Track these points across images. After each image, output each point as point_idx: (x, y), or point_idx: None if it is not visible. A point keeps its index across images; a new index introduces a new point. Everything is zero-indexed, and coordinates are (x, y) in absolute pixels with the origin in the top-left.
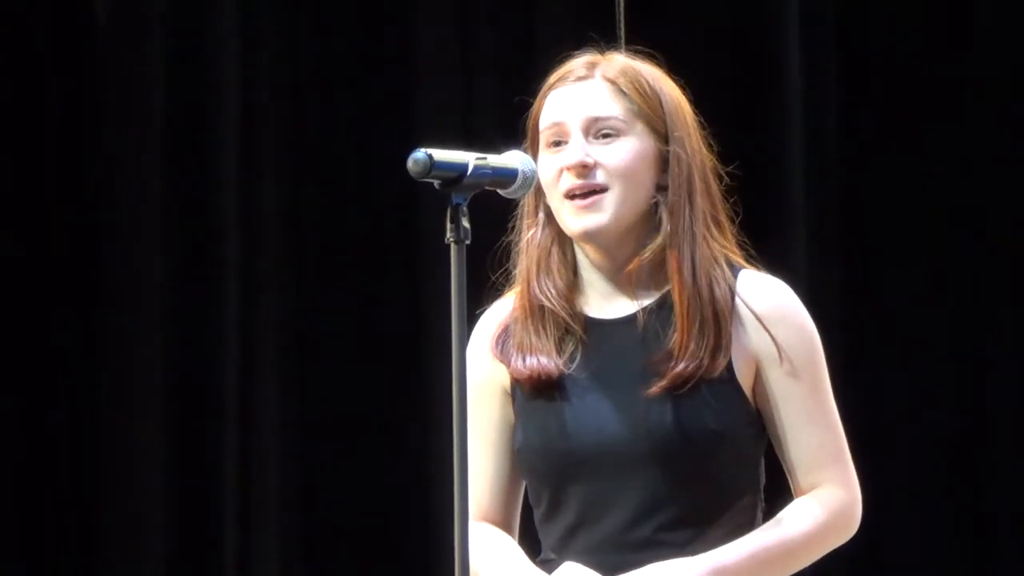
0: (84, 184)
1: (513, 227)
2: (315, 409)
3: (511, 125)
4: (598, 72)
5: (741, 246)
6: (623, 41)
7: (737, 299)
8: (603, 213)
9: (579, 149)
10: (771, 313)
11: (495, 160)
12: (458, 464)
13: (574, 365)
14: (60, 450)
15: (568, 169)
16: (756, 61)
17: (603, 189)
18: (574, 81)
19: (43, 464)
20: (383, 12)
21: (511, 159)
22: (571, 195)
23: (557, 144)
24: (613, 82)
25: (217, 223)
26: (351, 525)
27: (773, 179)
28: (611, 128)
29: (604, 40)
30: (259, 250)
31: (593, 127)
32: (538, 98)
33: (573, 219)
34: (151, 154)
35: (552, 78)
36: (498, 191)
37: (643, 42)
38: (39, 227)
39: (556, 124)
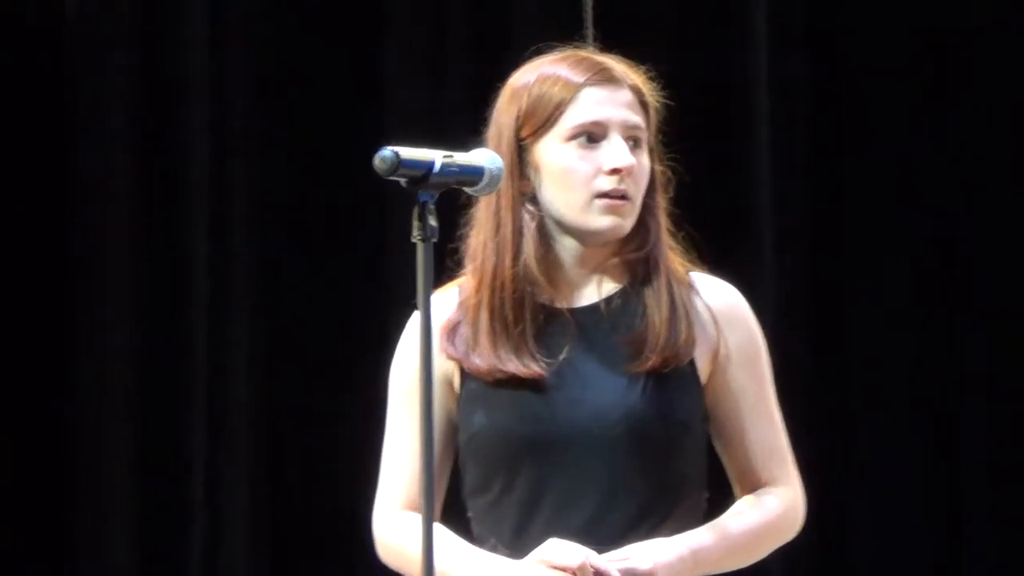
0: (54, 183)
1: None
2: (282, 404)
3: (480, 123)
4: (628, 79)
5: (686, 254)
6: (591, 38)
7: (695, 298)
8: (628, 219)
9: (627, 154)
10: (726, 312)
11: (462, 158)
12: (424, 460)
13: (543, 352)
14: (28, 444)
15: (614, 171)
16: (723, 66)
17: (629, 197)
18: (612, 82)
19: (11, 456)
20: (356, 8)
21: (478, 157)
22: (603, 195)
23: (593, 141)
24: (638, 92)
25: (187, 219)
26: (317, 512)
27: (739, 184)
28: (639, 139)
29: (575, 37)
30: (230, 248)
31: (629, 134)
32: (557, 87)
33: (602, 217)
34: (120, 150)
35: (573, 74)
36: (464, 189)
37: (611, 41)
38: (8, 224)
39: (597, 122)
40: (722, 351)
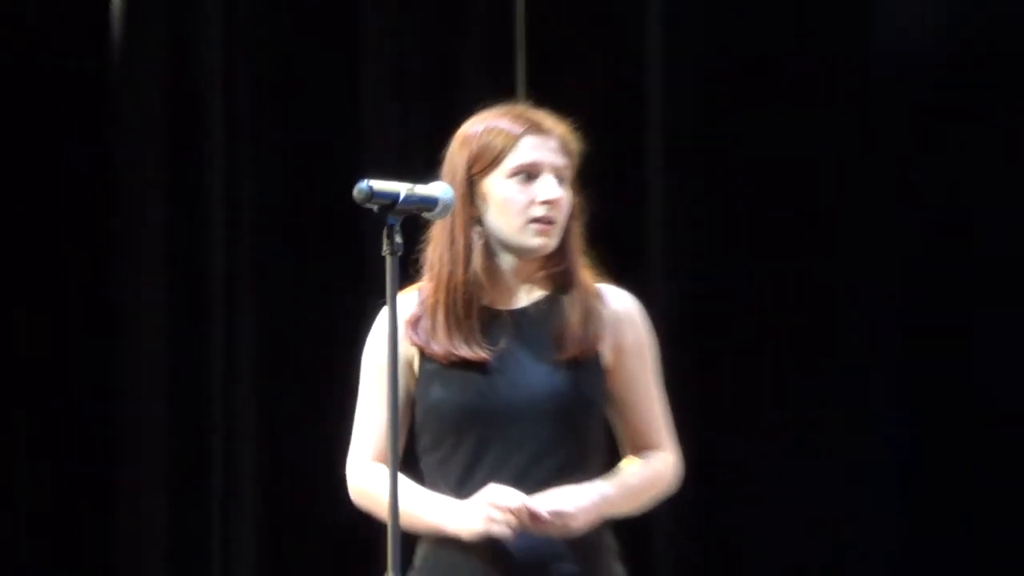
0: (91, 186)
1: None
2: (284, 404)
3: (434, 144)
4: (557, 130)
5: (595, 268)
6: (524, 88)
7: (601, 304)
8: (554, 239)
9: (556, 188)
10: (625, 316)
11: (421, 190)
12: (391, 441)
13: (487, 341)
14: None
15: (545, 202)
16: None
17: (555, 222)
18: (544, 132)
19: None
20: (336, 67)
21: (434, 189)
22: (536, 220)
23: (529, 178)
24: (564, 140)
25: (207, 237)
26: (315, 504)
27: (632, 209)
28: (564, 177)
29: (506, 92)
30: (239, 264)
31: (557, 173)
32: (501, 136)
33: (535, 238)
34: (153, 167)
35: (514, 126)
36: (423, 215)
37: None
38: (47, 230)
39: (533, 163)
40: (621, 346)
